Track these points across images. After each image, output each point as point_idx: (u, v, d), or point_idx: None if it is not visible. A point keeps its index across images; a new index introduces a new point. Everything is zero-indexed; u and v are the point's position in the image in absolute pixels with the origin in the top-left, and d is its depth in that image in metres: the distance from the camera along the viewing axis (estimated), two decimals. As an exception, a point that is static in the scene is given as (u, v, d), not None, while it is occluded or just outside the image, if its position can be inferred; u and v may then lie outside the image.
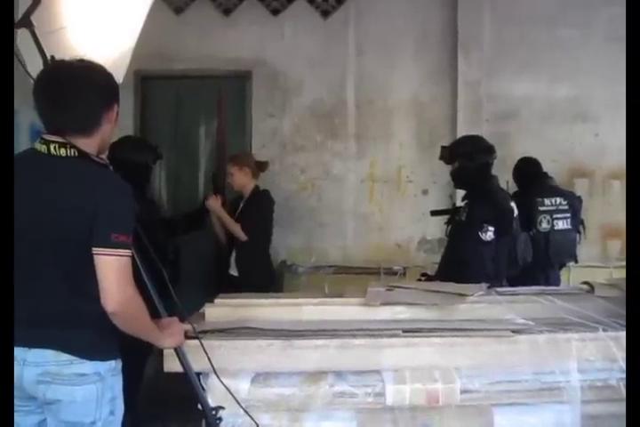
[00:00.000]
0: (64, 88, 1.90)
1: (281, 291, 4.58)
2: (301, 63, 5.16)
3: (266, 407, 2.47)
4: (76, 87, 1.91)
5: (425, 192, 5.30)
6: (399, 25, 5.20)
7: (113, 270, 1.81)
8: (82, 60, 1.98)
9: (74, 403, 1.85)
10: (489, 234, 3.46)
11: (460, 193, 4.97)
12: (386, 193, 5.27)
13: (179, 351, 2.10)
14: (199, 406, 2.21)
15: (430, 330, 2.67)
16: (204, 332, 2.60)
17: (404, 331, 2.65)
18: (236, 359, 2.50)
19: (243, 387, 2.46)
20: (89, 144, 1.94)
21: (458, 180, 3.79)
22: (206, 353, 2.22)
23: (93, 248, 1.81)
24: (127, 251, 1.83)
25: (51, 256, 1.85)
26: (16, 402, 1.87)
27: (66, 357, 1.84)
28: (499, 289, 3.18)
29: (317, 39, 5.21)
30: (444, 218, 4.90)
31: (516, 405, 2.56)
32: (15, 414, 1.87)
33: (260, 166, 4.37)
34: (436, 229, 5.22)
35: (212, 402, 2.41)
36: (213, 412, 2.10)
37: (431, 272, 3.99)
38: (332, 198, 5.24)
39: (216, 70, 5.17)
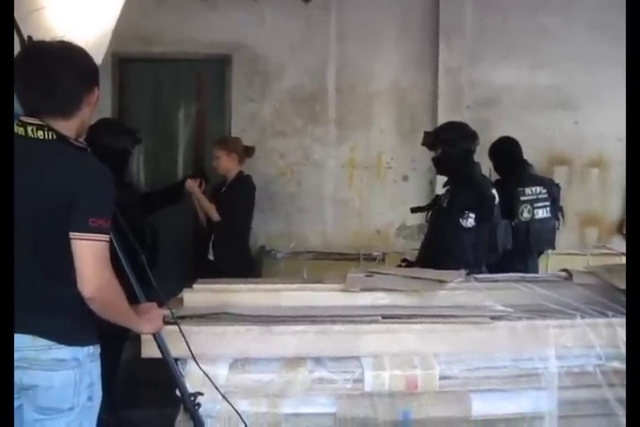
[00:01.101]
0: (43, 69, 1.85)
1: (260, 276, 4.55)
2: (282, 48, 5.10)
3: (244, 393, 2.45)
4: (56, 68, 1.86)
5: (405, 178, 5.28)
6: (381, 11, 5.16)
7: (90, 255, 1.78)
8: (62, 42, 1.93)
9: (51, 389, 1.83)
10: (470, 221, 3.47)
11: (440, 179, 4.99)
12: (365, 179, 5.24)
13: (157, 337, 2.08)
14: (177, 392, 2.20)
15: (410, 316, 2.67)
16: (183, 317, 2.57)
17: (384, 317, 2.65)
18: (214, 345, 2.48)
19: (221, 373, 2.45)
20: (68, 127, 1.89)
21: (440, 166, 3.77)
22: (185, 339, 2.21)
23: (70, 233, 1.78)
24: (105, 235, 1.80)
25: (27, 241, 1.81)
26: None
27: (43, 342, 1.82)
28: (478, 276, 3.18)
29: (298, 24, 5.15)
30: (425, 203, 4.92)
31: (494, 391, 2.58)
32: None
33: (248, 151, 4.34)
34: (416, 215, 5.23)
35: (190, 388, 2.39)
36: (192, 398, 2.09)
37: (411, 258, 3.99)
38: (312, 184, 5.21)
39: (196, 54, 5.09)
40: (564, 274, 3.31)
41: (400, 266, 3.88)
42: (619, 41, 5.13)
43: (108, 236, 1.82)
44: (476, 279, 3.13)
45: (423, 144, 3.79)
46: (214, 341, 2.49)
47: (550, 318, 2.68)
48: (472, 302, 2.93)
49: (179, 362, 2.41)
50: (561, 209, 4.52)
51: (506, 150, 4.31)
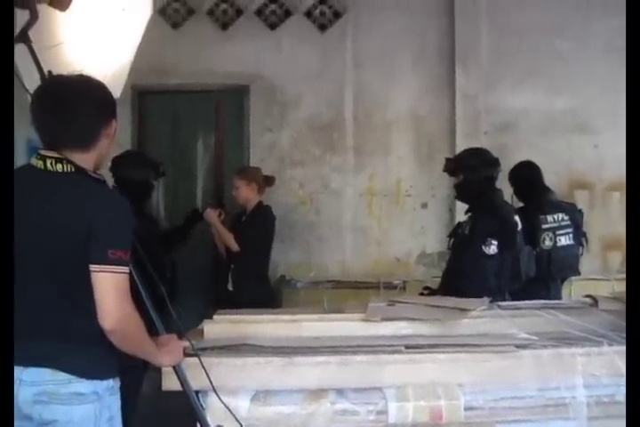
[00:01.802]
0: (62, 103, 1.87)
1: (280, 306, 4.52)
2: (299, 77, 5.15)
3: (266, 426, 2.42)
4: (75, 102, 1.89)
5: (424, 205, 5.26)
6: (396, 38, 5.19)
7: (110, 287, 1.77)
8: (80, 75, 1.97)
9: (71, 423, 1.80)
10: (492, 248, 3.43)
11: (460, 206, 4.96)
12: (384, 207, 5.23)
13: (177, 369, 2.06)
14: (198, 425, 2.17)
15: (432, 346, 2.63)
16: (203, 349, 2.55)
17: (407, 347, 2.61)
18: (235, 377, 2.45)
19: (242, 405, 2.41)
20: (86, 160, 1.91)
21: (461, 193, 3.75)
22: (205, 370, 2.18)
23: (90, 265, 1.77)
24: (124, 267, 1.80)
25: (49, 273, 1.82)
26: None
27: (63, 376, 1.80)
28: (501, 303, 3.14)
29: (315, 53, 5.19)
30: (444, 231, 4.88)
31: (520, 422, 2.52)
32: None
33: (268, 181, 4.36)
34: (436, 242, 5.21)
35: (211, 421, 2.37)
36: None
37: (433, 286, 3.95)
38: (331, 212, 5.20)
39: (213, 84, 5.16)
40: (588, 300, 3.26)
41: (422, 294, 3.84)
42: (636, 64, 5.14)
43: (127, 268, 1.81)
44: (499, 307, 3.09)
45: (445, 171, 3.78)
46: (235, 373, 2.46)
47: (576, 345, 2.62)
48: (495, 330, 2.88)
49: (199, 394, 2.39)
50: (584, 235, 4.46)
51: (526, 176, 4.28)
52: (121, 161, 3.60)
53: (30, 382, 1.79)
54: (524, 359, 2.56)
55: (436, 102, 5.24)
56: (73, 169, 1.86)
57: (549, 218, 4.12)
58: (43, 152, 1.88)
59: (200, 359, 2.18)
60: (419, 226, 5.21)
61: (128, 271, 1.81)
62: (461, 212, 4.99)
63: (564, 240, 4.17)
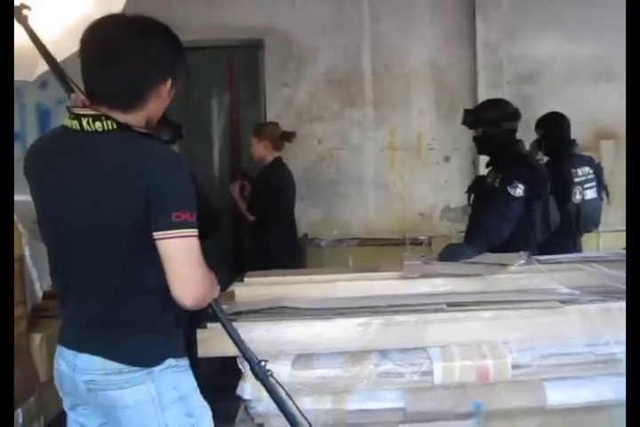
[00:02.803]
0: (106, 50, 1.59)
1: (305, 265, 4.46)
2: (315, 30, 4.95)
3: (309, 390, 2.36)
4: (122, 49, 1.59)
5: (447, 159, 5.12)
6: (414, -14, 4.97)
7: (180, 255, 1.54)
8: (139, 17, 1.63)
9: (129, 408, 1.63)
10: (518, 191, 3.27)
11: (484, 159, 4.85)
12: (406, 161, 5.09)
13: (214, 306, 1.83)
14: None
15: (476, 303, 2.56)
16: (238, 313, 2.49)
17: (449, 305, 2.55)
18: (274, 341, 2.39)
19: (283, 370, 2.34)
20: (129, 121, 1.62)
21: (482, 146, 3.61)
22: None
23: (154, 233, 1.54)
24: (193, 230, 1.55)
25: (98, 251, 1.60)
26: (77, 404, 1.74)
27: (114, 365, 1.62)
28: (540, 257, 3.05)
29: (330, 5, 4.97)
30: (469, 184, 4.76)
31: (569, 378, 2.46)
32: (77, 415, 1.76)
33: (286, 137, 4.24)
34: (460, 196, 5.08)
35: (250, 389, 2.32)
36: (262, 363, 1.86)
37: (458, 241, 3.86)
38: (352, 168, 5.06)
39: (226, 40, 4.96)
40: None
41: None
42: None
43: (196, 230, 1.56)
44: (537, 261, 3.01)
45: (463, 123, 3.63)
46: (274, 337, 2.40)
47: (622, 299, 2.54)
48: (536, 286, 2.80)
49: (237, 360, 2.34)
50: (606, 189, 4.36)
51: (556, 127, 4.15)
52: None
53: (82, 370, 1.64)
54: (570, 315, 2.49)
55: (457, 53, 5.05)
56: (115, 126, 1.59)
57: (579, 171, 4.03)
58: (77, 110, 1.62)
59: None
60: (442, 180, 5.09)
61: (197, 234, 1.57)
62: (485, 165, 4.92)
63: (590, 194, 4.09)
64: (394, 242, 4.71)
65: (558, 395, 2.43)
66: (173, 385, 1.67)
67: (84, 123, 1.59)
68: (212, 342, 2.35)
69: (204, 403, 1.76)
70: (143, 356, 1.64)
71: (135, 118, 1.64)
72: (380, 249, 4.63)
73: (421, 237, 4.72)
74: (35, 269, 3.16)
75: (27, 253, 3.13)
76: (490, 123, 3.42)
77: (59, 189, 1.60)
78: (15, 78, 2.21)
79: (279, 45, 4.96)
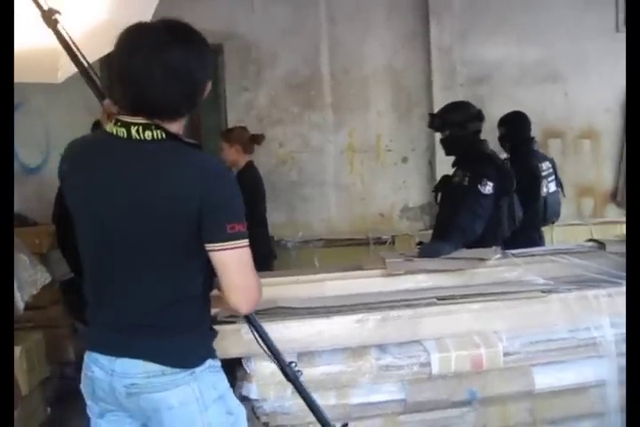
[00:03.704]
0: (153, 57, 1.53)
1: (272, 268, 4.50)
2: (273, 34, 5.00)
3: (313, 387, 2.38)
4: (170, 56, 1.54)
5: (404, 160, 5.27)
6: (369, -8, 5.09)
7: (236, 265, 1.58)
8: (169, 21, 1.60)
9: (173, 409, 1.63)
10: (488, 188, 3.41)
11: (440, 159, 5.01)
12: (366, 163, 5.21)
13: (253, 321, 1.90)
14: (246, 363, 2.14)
15: (463, 296, 2.67)
16: (234, 315, 2.52)
17: (438, 299, 2.65)
18: (276, 341, 2.39)
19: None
20: (173, 128, 1.61)
21: (449, 147, 3.72)
22: (254, 334, 1.96)
23: (207, 244, 1.56)
24: (246, 240, 1.58)
25: (144, 257, 1.60)
26: (108, 410, 1.72)
27: (157, 367, 1.62)
28: (514, 251, 3.20)
29: (288, 9, 5.05)
30: (425, 184, 4.91)
31: (554, 363, 2.60)
32: (106, 422, 1.74)
33: (255, 140, 4.26)
34: (418, 196, 5.26)
35: (256, 389, 2.36)
36: (292, 364, 1.92)
37: (424, 240, 3.99)
38: (313, 171, 5.14)
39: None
40: (593, 244, 3.36)
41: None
42: (599, 9, 5.22)
43: (247, 240, 1.59)
44: (512, 255, 3.15)
45: (430, 127, 3.75)
46: (275, 337, 2.40)
47: (597, 287, 2.71)
48: (514, 278, 2.95)
49: (243, 361, 2.38)
50: (560, 182, 4.58)
51: (519, 125, 4.32)
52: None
53: (122, 374, 1.63)
54: (552, 303, 2.63)
55: (412, 56, 5.20)
56: (164, 136, 1.57)
57: (543, 166, 4.21)
58: (125, 118, 1.58)
59: (254, 323, 2.03)
60: (400, 180, 5.23)
61: (248, 243, 1.60)
62: (441, 164, 5.07)
63: (552, 187, 4.27)
64: (357, 242, 4.82)
65: (545, 379, 2.57)
66: (213, 385, 1.69)
67: (133, 131, 1.57)
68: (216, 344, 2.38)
69: (239, 402, 1.80)
70: (186, 358, 1.65)
71: (179, 125, 1.63)
72: (345, 249, 4.73)
73: (384, 237, 4.83)
74: (15, 280, 3.10)
75: (5, 263, 3.08)
76: (456, 125, 3.54)
77: (105, 196, 1.58)
78: (41, 81, 2.20)
79: (238, 50, 4.99)
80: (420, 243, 3.95)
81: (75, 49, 1.93)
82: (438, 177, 5.07)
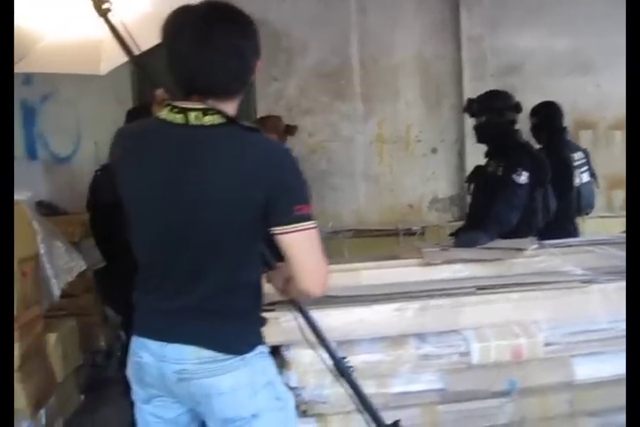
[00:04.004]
0: (208, 38, 1.51)
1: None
2: (304, 23, 4.97)
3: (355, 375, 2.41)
4: (225, 36, 1.52)
5: (434, 151, 5.24)
6: (399, -19, 5.06)
7: (305, 248, 1.56)
8: (213, 2, 1.57)
9: (224, 395, 1.61)
10: (522, 178, 3.39)
11: (470, 150, 4.98)
12: (395, 153, 5.18)
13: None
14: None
15: (502, 286, 2.66)
16: (273, 303, 2.52)
17: (478, 288, 2.64)
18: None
19: (327, 356, 2.40)
20: (229, 108, 1.57)
21: (483, 135, 3.69)
22: (300, 321, 2.02)
23: (275, 228, 1.54)
24: (313, 222, 1.56)
25: (205, 243, 1.58)
26: (155, 395, 1.70)
27: (209, 353, 1.60)
28: (551, 241, 3.18)
29: (318, -1, 5.03)
30: (455, 175, 4.87)
31: (594, 354, 2.58)
32: (153, 408, 1.73)
33: (289, 130, 4.25)
34: (447, 187, 5.23)
35: (296, 377, 2.35)
36: (345, 360, 1.93)
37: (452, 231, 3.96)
38: (343, 161, 5.12)
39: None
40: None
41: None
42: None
43: (314, 222, 1.57)
44: (550, 245, 3.13)
45: (466, 111, 3.73)
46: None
47: (636, 278, 2.68)
48: (551, 268, 2.92)
49: (281, 348, 2.38)
50: (594, 173, 4.53)
51: (552, 115, 4.28)
52: (147, 111, 3.46)
53: (173, 360, 1.62)
54: (591, 294, 2.61)
55: (442, 46, 5.17)
56: (223, 120, 1.53)
57: (575, 156, 4.17)
58: (181, 104, 1.55)
59: (303, 312, 2.02)
60: (430, 171, 5.21)
61: (316, 225, 1.57)
62: (471, 155, 5.04)
63: (585, 177, 4.23)
64: (387, 233, 4.80)
65: (585, 370, 2.55)
66: (262, 370, 1.68)
67: (191, 117, 1.53)
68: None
69: (286, 388, 1.79)
70: (238, 344, 1.64)
71: (234, 107, 1.60)
72: (374, 240, 4.72)
73: (414, 228, 4.81)
74: (50, 267, 3.11)
75: (42, 250, 3.09)
76: (494, 111, 3.52)
77: (165, 183, 1.55)
78: (83, 72, 2.20)
79: (269, 39, 4.94)
80: (454, 233, 3.92)
81: (125, 38, 1.94)
82: (468, 168, 5.09)
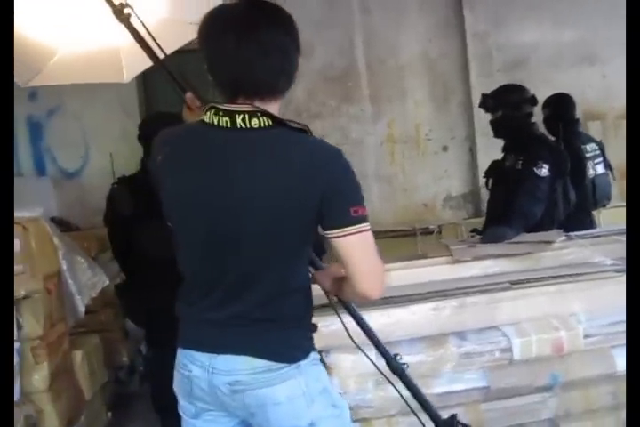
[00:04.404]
0: (253, 37, 1.47)
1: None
2: (308, 26, 4.93)
3: (396, 378, 2.35)
4: (275, 32, 1.50)
5: (445, 149, 5.22)
6: (401, -19, 5.04)
7: (362, 251, 1.51)
8: (250, 0, 1.55)
9: (280, 405, 1.57)
10: (543, 171, 3.37)
11: (481, 146, 4.96)
12: (406, 153, 5.17)
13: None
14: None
15: (537, 279, 2.63)
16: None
17: (512, 283, 2.61)
18: (354, 332, 2.38)
19: (377, 357, 2.37)
20: (274, 109, 1.53)
21: (499, 129, 3.67)
22: (345, 327, 1.93)
23: (331, 231, 1.49)
24: (368, 224, 1.51)
25: (258, 250, 1.53)
26: (205, 409, 1.65)
27: (263, 363, 1.56)
28: (578, 233, 3.15)
29: (321, 0, 5.01)
30: (467, 172, 4.84)
31: (634, 344, 2.55)
32: (202, 422, 1.68)
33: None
34: (460, 184, 5.20)
35: (337, 380, 2.31)
36: (398, 357, 1.88)
37: (467, 228, 3.94)
38: (354, 163, 4.98)
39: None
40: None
41: (473, 236, 3.80)
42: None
43: (369, 224, 1.52)
44: (577, 236, 3.10)
45: (481, 106, 3.71)
46: (354, 327, 2.39)
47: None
48: (581, 260, 2.90)
49: (322, 354, 2.34)
50: (609, 164, 4.50)
51: (565, 107, 4.26)
52: (163, 121, 3.44)
53: (224, 371, 1.57)
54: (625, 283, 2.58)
55: (447, 44, 5.16)
56: (271, 122, 1.49)
57: (588, 147, 4.15)
58: (226, 106, 1.50)
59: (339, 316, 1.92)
60: (442, 170, 5.19)
61: (370, 227, 1.53)
62: (482, 152, 5.02)
63: (600, 169, 4.20)
64: (403, 233, 4.77)
65: (624, 361, 2.51)
66: (317, 377, 1.64)
67: (239, 120, 1.48)
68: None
69: (339, 394, 1.76)
70: (292, 351, 1.60)
71: (277, 108, 1.56)
72: (391, 241, 4.67)
73: (431, 227, 4.78)
74: (74, 283, 3.08)
75: (64, 266, 3.05)
76: (510, 106, 3.51)
77: (213, 188, 1.51)
78: (107, 81, 2.17)
79: (274, 43, 4.94)
80: (475, 230, 3.90)
81: (148, 43, 1.91)
82: (480, 165, 5.08)
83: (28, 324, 2.74)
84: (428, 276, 2.82)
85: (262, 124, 1.49)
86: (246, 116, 1.49)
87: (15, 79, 2.36)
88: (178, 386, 1.69)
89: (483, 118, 4.72)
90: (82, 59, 2.31)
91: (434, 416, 1.89)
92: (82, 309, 3.12)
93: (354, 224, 1.49)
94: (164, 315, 3.39)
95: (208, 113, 1.52)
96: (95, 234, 4.25)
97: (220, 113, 1.50)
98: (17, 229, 2.69)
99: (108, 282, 3.30)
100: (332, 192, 1.49)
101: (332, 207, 1.49)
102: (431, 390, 2.42)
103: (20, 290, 2.61)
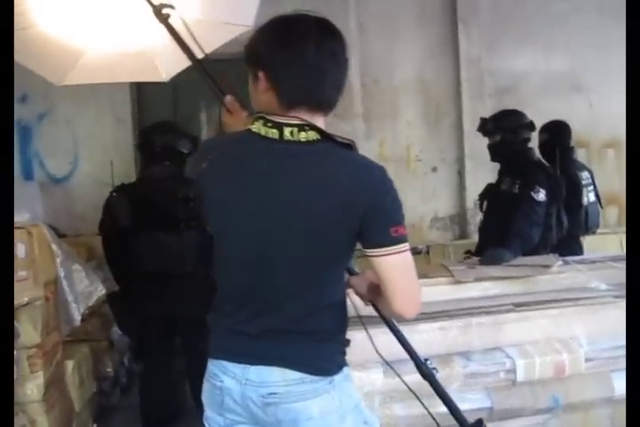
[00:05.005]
0: (334, 49, 1.50)
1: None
2: (305, 44, 4.99)
3: (400, 396, 2.37)
4: (341, 47, 1.51)
5: (434, 169, 5.26)
6: (399, 1, 5.11)
7: (401, 271, 1.51)
8: (305, 13, 1.55)
9: (312, 420, 1.55)
10: (541, 195, 3.44)
11: (470, 169, 5.04)
12: (396, 172, 5.18)
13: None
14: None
15: (538, 302, 2.68)
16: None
17: (515, 305, 2.66)
18: (362, 350, 2.39)
19: (376, 377, 2.38)
20: (321, 123, 1.55)
21: (497, 153, 3.74)
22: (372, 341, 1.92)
23: (371, 250, 1.49)
24: (407, 244, 1.52)
25: (298, 264, 1.52)
26: (236, 422, 1.62)
27: (296, 375, 1.55)
28: (574, 258, 3.22)
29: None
30: (455, 194, 4.90)
31: (631, 369, 2.60)
32: None
33: None
34: (447, 206, 5.26)
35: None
36: (429, 362, 1.91)
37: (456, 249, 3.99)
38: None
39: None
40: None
41: (467, 258, 3.84)
42: (624, 20, 5.29)
43: (408, 244, 1.52)
44: (574, 261, 3.17)
45: (480, 130, 3.78)
46: (362, 346, 2.41)
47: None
48: (577, 284, 2.96)
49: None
50: (597, 193, 4.60)
51: (561, 134, 4.36)
52: (161, 131, 3.44)
53: (258, 383, 1.55)
54: (624, 309, 2.64)
55: (441, 66, 5.22)
56: (319, 137, 1.50)
57: (582, 175, 4.24)
58: (275, 118, 1.49)
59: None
60: (430, 190, 5.23)
61: (409, 247, 1.53)
62: (470, 174, 5.09)
63: (592, 197, 4.30)
64: (392, 252, 4.77)
65: (623, 385, 2.56)
66: (350, 393, 1.63)
67: (287, 132, 1.48)
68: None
69: (371, 414, 1.74)
70: (326, 365, 1.59)
71: (323, 123, 1.57)
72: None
73: (420, 247, 4.81)
74: (70, 291, 3.03)
75: (61, 274, 3.00)
76: (508, 130, 3.59)
77: (257, 201, 1.51)
78: (146, 80, 2.16)
79: (270, 60, 4.95)
80: (469, 252, 3.94)
81: (187, 43, 1.95)
82: (467, 187, 5.15)
83: (26, 332, 2.69)
84: (431, 295, 2.85)
85: (310, 138, 1.50)
86: (295, 129, 1.49)
87: (49, 78, 2.36)
88: (207, 397, 1.66)
89: (472, 141, 4.82)
90: (114, 57, 2.31)
91: (460, 419, 1.90)
92: (78, 317, 3.07)
93: (395, 244, 1.50)
94: (155, 325, 3.39)
95: (256, 123, 1.52)
96: (82, 241, 4.19)
97: (269, 124, 1.50)
98: (21, 234, 2.66)
99: (104, 291, 3.25)
100: (374, 210, 1.48)
101: (372, 225, 1.49)
102: (436, 409, 2.41)
103: (22, 297, 2.56)
